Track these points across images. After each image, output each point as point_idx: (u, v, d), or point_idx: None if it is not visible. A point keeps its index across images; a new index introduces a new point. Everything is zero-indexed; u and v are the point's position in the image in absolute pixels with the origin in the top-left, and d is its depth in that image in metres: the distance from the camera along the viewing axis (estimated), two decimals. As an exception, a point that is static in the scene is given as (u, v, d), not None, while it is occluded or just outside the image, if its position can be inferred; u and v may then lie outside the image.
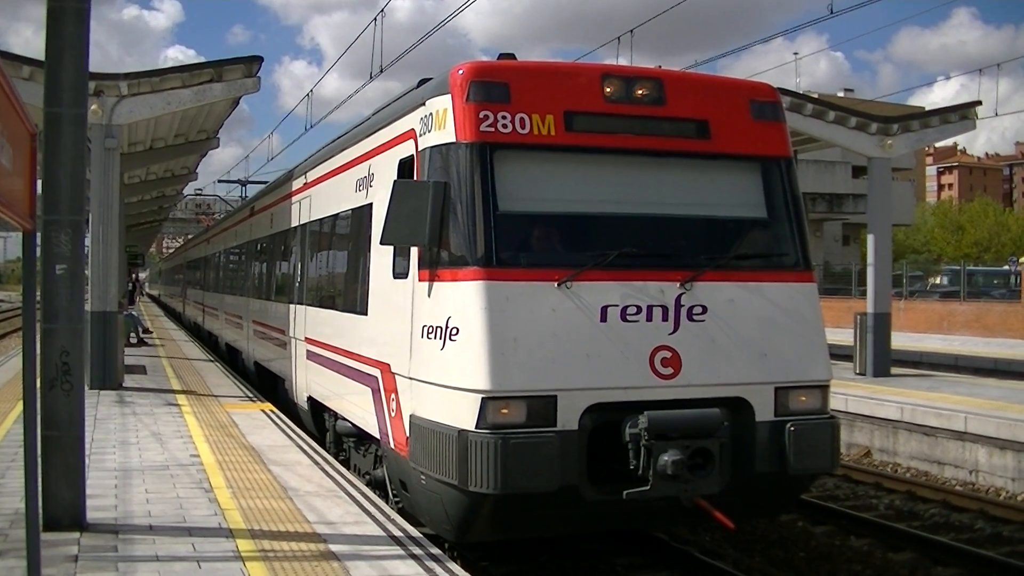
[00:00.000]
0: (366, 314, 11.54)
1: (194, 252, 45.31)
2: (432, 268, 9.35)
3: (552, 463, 8.53)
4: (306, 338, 15.30)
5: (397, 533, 9.12)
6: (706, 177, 10.17)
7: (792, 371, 9.67)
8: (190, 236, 61.97)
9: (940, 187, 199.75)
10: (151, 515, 9.60)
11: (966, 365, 28.53)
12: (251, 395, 19.77)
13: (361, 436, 12.28)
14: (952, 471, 17.20)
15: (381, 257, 10.90)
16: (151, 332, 38.13)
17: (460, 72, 9.43)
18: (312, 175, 15.88)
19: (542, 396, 8.72)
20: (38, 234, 7.58)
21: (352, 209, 12.72)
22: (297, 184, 17.32)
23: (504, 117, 9.23)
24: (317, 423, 15.13)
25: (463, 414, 8.71)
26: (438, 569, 8.01)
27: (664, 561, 11.34)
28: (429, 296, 9.34)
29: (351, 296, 12.82)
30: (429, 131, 9.69)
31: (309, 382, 15.12)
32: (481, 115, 9.22)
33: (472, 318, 8.77)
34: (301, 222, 16.44)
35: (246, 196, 53.44)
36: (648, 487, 8.77)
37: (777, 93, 10.43)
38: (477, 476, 8.50)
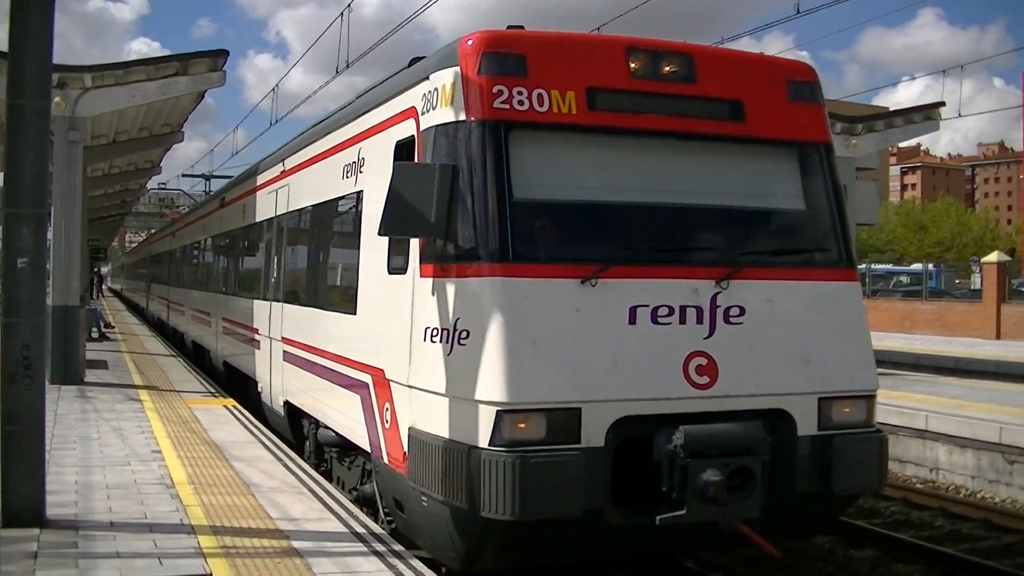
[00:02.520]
0: (354, 313, 10.58)
1: (159, 246, 44.18)
2: (437, 263, 8.40)
3: (576, 485, 7.60)
4: (283, 338, 14.29)
5: (360, 530, 8.98)
6: (740, 163, 9.25)
7: (837, 380, 8.79)
8: (153, 230, 60.81)
9: (903, 187, 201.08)
10: (112, 511, 9.42)
11: (927, 364, 28.47)
12: (214, 390, 19.57)
13: (346, 447, 11.34)
14: (913, 469, 17.28)
15: (373, 250, 9.96)
16: (113, 327, 37.43)
17: (470, 42, 8.46)
18: (291, 162, 14.83)
19: (565, 408, 7.79)
20: (-1, 227, 7.07)
21: (338, 198, 11.74)
22: (273, 172, 16.28)
23: (520, 93, 8.28)
24: (294, 430, 14.12)
25: (474, 429, 7.78)
26: (401, 566, 7.87)
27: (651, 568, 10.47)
28: (433, 294, 8.39)
29: (336, 293, 11.83)
30: (433, 108, 8.72)
31: (286, 386, 14.12)
32: (495, 90, 8.26)
33: (486, 320, 7.83)
34: (278, 213, 15.39)
35: (210, 191, 52.52)
36: (684, 511, 7.87)
37: (815, 73, 9.54)
38: (491, 500, 7.56)
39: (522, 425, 7.69)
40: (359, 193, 10.70)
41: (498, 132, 8.20)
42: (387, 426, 9.33)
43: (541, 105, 8.32)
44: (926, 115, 25.97)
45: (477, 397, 7.76)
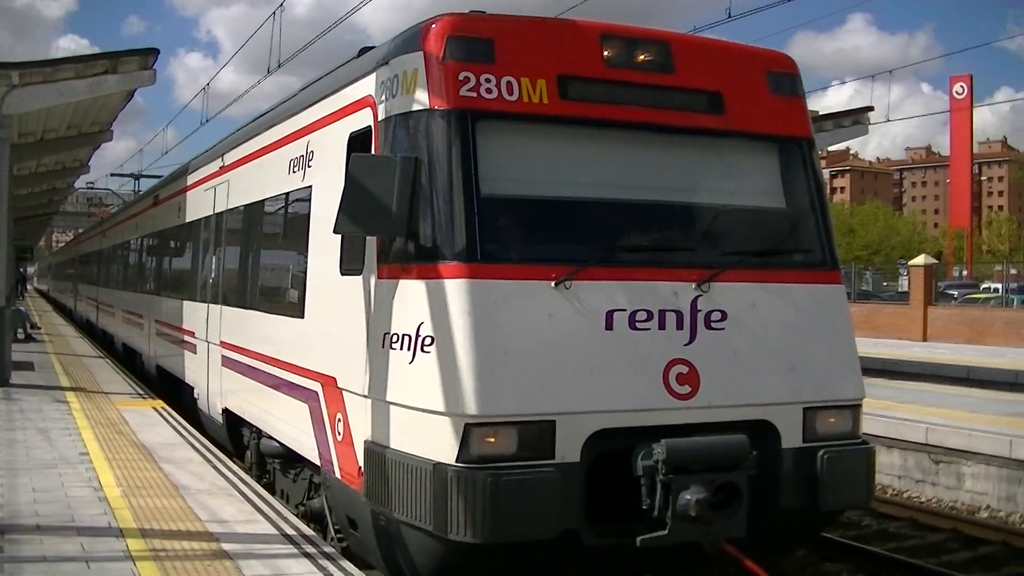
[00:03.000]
0: (302, 317, 9.92)
1: (88, 245, 42.93)
2: (397, 263, 7.77)
3: (552, 504, 7.03)
4: (221, 342, 13.54)
5: (290, 531, 8.92)
6: (719, 159, 8.74)
7: (823, 388, 8.32)
8: (81, 230, 59.39)
9: (832, 190, 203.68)
10: (39, 515, 9.23)
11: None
12: (142, 392, 19.33)
13: (292, 458, 10.66)
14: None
15: (323, 250, 9.32)
16: (39, 328, 36.42)
17: (435, 25, 7.84)
18: (231, 157, 14.06)
19: (538, 421, 7.22)
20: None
21: (284, 194, 11.05)
22: (211, 168, 15.50)
23: (488, 80, 7.68)
24: (234, 439, 13.37)
25: (440, 443, 7.17)
26: (331, 567, 7.82)
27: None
28: (393, 297, 7.76)
29: (282, 295, 11.14)
30: (393, 96, 8.08)
31: (225, 392, 13.37)
32: (461, 76, 7.65)
33: (452, 325, 7.22)
34: (217, 210, 14.62)
35: (139, 190, 51.37)
36: (666, 532, 7.32)
37: (796, 65, 9.05)
38: (459, 521, 6.95)
39: (492, 439, 7.10)
40: (307, 189, 10.04)
41: (465, 122, 7.59)
42: (339, 438, 8.69)
43: (510, 94, 7.74)
44: (855, 119, 26.08)
45: (443, 409, 7.15)
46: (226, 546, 8.29)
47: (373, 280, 8.10)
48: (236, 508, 9.72)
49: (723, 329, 7.93)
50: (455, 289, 7.27)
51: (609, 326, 7.55)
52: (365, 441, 8.02)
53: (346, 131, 8.95)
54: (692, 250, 8.23)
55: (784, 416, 8.07)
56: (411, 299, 7.57)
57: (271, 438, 11.17)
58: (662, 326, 7.72)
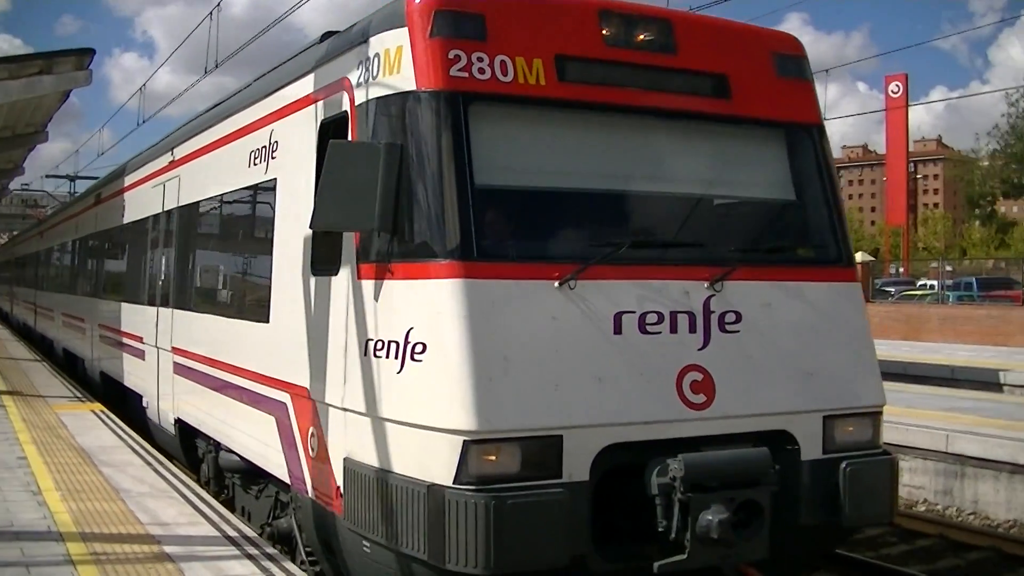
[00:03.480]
0: (266, 321, 9.13)
1: (24, 247, 41.57)
2: (381, 262, 7.02)
3: (560, 529, 6.33)
4: (173, 348, 12.67)
5: (232, 533, 8.86)
6: (727, 147, 8.08)
7: (843, 395, 7.69)
8: (16, 232, 57.77)
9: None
10: None
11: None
12: (80, 395, 19.07)
13: (254, 474, 9.86)
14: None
15: (291, 248, 8.57)
16: (-28, 332, 35.22)
17: None
18: (183, 151, 13.18)
19: (543, 436, 6.51)
20: None
21: (244, 188, 10.25)
22: (159, 163, 14.59)
23: (480, 60, 6.96)
24: (188, 451, 12.52)
25: (434, 462, 6.43)
26: (274, 568, 7.79)
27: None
28: (377, 300, 7.01)
29: (242, 298, 10.34)
30: (374, 78, 7.33)
31: (178, 402, 12.51)
32: (451, 55, 6.91)
33: (447, 330, 6.49)
34: (167, 208, 13.71)
35: (75, 192, 50.10)
36: (686, 556, 6.65)
37: (803, 46, 8.42)
38: (458, 550, 6.21)
39: (493, 457, 6.38)
40: (271, 182, 9.25)
41: (456, 105, 6.86)
42: (313, 454, 7.92)
43: (505, 74, 7.02)
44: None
45: (437, 424, 6.42)
46: (168, 548, 8.22)
47: (351, 281, 7.36)
48: (177, 510, 9.64)
49: (738, 332, 7.28)
50: (449, 291, 6.53)
51: (618, 330, 6.87)
52: (344, 459, 7.27)
53: (317, 118, 8.19)
54: (702, 246, 7.56)
55: (803, 425, 7.45)
56: (398, 302, 6.83)
57: (231, 452, 10.36)
58: (674, 329, 7.06)
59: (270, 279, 9.11)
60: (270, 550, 8.22)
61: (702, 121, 7.83)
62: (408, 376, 6.63)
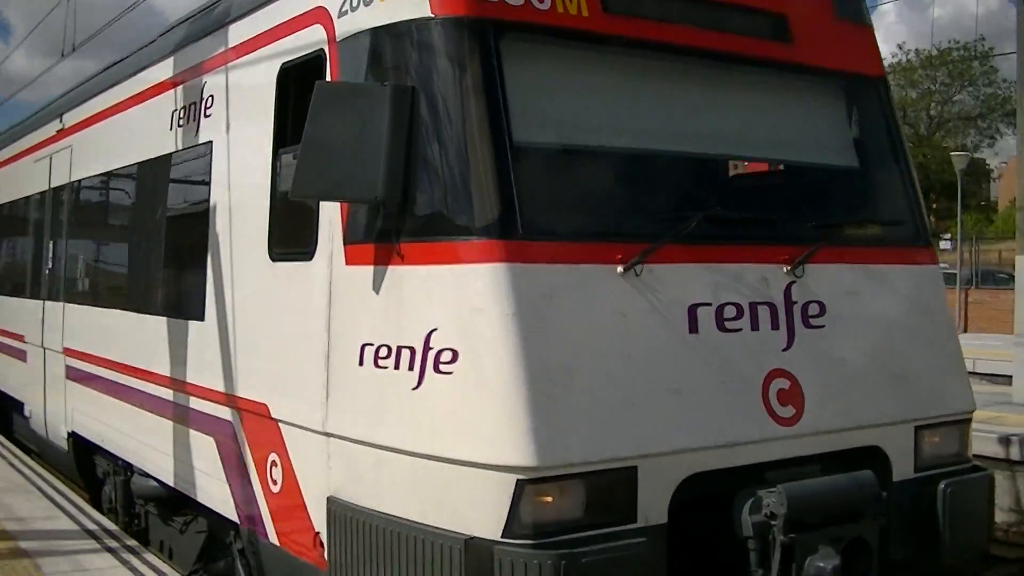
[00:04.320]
0: (199, 318, 7.36)
1: None
2: (384, 242, 5.34)
3: None
4: (65, 349, 10.71)
5: (91, 527, 8.66)
6: (789, 102, 6.60)
7: (934, 400, 6.30)
8: None
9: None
10: None
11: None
12: None
13: (177, 502, 8.09)
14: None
15: (236, 226, 6.93)
16: None
17: None
18: (75, 117, 11.10)
19: (615, 470, 4.93)
20: None
21: (161, 157, 8.38)
22: (44, 134, 12.47)
23: None
24: (85, 470, 10.58)
25: (473, 509, 4.81)
26: (134, 561, 7.65)
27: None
28: (379, 292, 5.33)
29: (162, 289, 8.49)
30: (367, 3, 5.63)
31: (71, 412, 10.55)
32: None
33: (490, 332, 4.84)
34: (54, 185, 11.63)
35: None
36: None
37: None
38: None
39: (551, 499, 4.79)
40: (205, 147, 7.46)
41: (485, 36, 5.21)
42: (275, 489, 6.24)
43: (541, 1, 5.42)
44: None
45: (478, 458, 4.78)
46: (24, 544, 8.07)
47: (333, 268, 5.67)
48: (34, 505, 9.49)
49: (823, 327, 5.83)
50: (491, 279, 4.88)
51: (694, 327, 5.34)
52: (329, 499, 5.59)
53: (276, 61, 6.45)
54: (776, 221, 6.05)
55: (895, 439, 6.05)
56: (413, 295, 5.16)
57: (148, 476, 8.53)
58: (755, 325, 5.56)
59: (203, 265, 7.33)
60: (130, 542, 8.05)
61: (763, 69, 6.31)
62: (431, 393, 4.98)
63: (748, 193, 6.28)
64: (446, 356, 4.94)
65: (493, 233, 4.95)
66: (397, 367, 5.15)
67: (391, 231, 5.27)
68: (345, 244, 5.60)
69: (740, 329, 5.51)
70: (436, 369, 4.97)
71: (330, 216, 5.72)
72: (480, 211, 5.00)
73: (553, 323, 4.94)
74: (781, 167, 6.52)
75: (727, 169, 6.28)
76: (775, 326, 5.64)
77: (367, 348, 5.35)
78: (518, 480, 4.70)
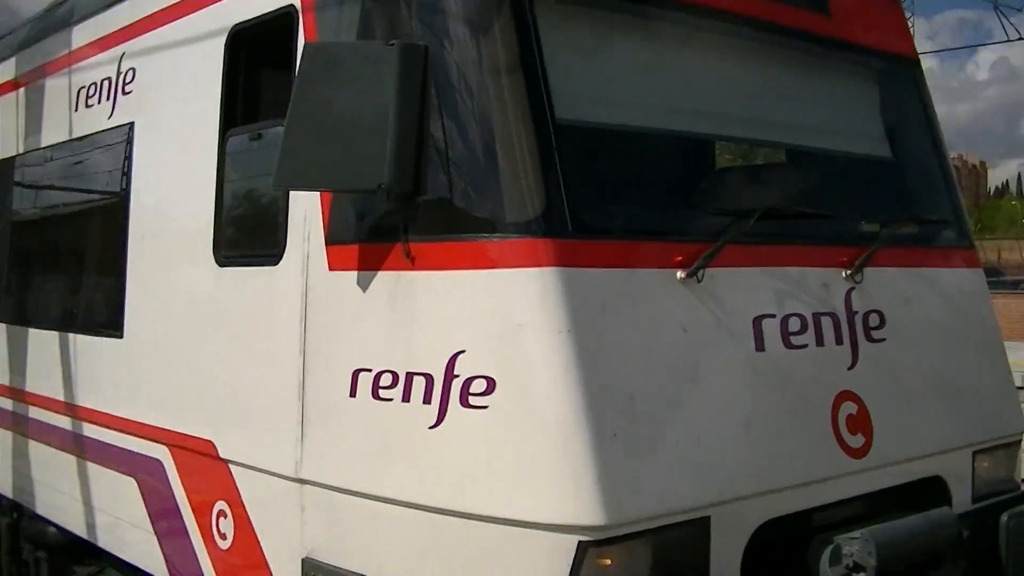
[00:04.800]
0: (117, 334, 6.13)
1: None
2: (384, 241, 4.24)
3: None
4: None
5: None
6: (830, 82, 5.70)
7: (989, 421, 5.52)
8: None
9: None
10: None
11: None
12: None
13: (82, 552, 6.83)
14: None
15: (164, 223, 5.78)
16: None
17: None
18: None
19: (687, 522, 3.96)
20: None
21: (61, 144, 7.11)
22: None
23: None
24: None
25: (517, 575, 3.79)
26: None
27: None
28: (380, 304, 4.23)
29: (66, 299, 7.20)
30: None
31: None
32: None
33: (541, 355, 3.80)
34: None
35: None
36: None
37: None
38: None
39: (609, 561, 3.78)
40: (123, 130, 6.25)
41: None
42: (224, 545, 5.11)
43: None
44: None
45: (528, 516, 3.74)
46: None
47: (312, 273, 4.56)
48: None
49: (884, 340, 4.96)
50: (537, 287, 3.85)
51: (760, 344, 4.40)
52: (305, 561, 4.48)
53: (224, 22, 5.30)
54: (833, 217, 5.15)
55: (955, 466, 5.24)
56: (431, 307, 4.09)
57: (43, 520, 7.24)
58: (820, 340, 4.66)
59: (121, 271, 6.11)
60: None
61: (805, 43, 5.42)
62: (456, 432, 3.91)
63: (802, 186, 5.35)
64: (478, 385, 3.88)
65: (538, 230, 3.91)
66: (407, 399, 4.07)
67: (398, 227, 4.18)
68: (328, 244, 4.49)
69: (806, 345, 4.59)
70: (463, 402, 3.91)
71: (305, 210, 4.62)
72: (521, 202, 3.95)
73: (612, 341, 3.93)
74: (832, 157, 5.63)
75: (791, 157, 5.37)
76: (839, 341, 4.75)
77: (362, 375, 4.25)
78: (580, 542, 3.68)
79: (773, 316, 4.49)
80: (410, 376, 4.08)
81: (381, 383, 4.18)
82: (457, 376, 3.93)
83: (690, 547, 3.98)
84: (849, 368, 4.77)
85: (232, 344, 5.10)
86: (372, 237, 4.32)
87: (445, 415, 3.95)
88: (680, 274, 4.19)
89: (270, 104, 5.21)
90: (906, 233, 5.45)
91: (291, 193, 4.67)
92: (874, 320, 4.95)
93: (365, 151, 4.08)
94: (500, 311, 3.92)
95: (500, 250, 3.95)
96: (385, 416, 4.16)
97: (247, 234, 5.17)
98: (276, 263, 4.76)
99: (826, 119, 5.58)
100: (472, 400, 3.89)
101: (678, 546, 3.94)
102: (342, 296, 4.41)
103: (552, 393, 3.76)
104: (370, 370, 4.23)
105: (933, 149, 5.94)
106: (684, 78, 4.92)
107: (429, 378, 4.01)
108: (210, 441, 5.18)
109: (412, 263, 4.13)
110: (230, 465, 5.06)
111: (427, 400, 4.00)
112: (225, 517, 5.10)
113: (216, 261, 5.23)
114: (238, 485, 5.00)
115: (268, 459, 4.74)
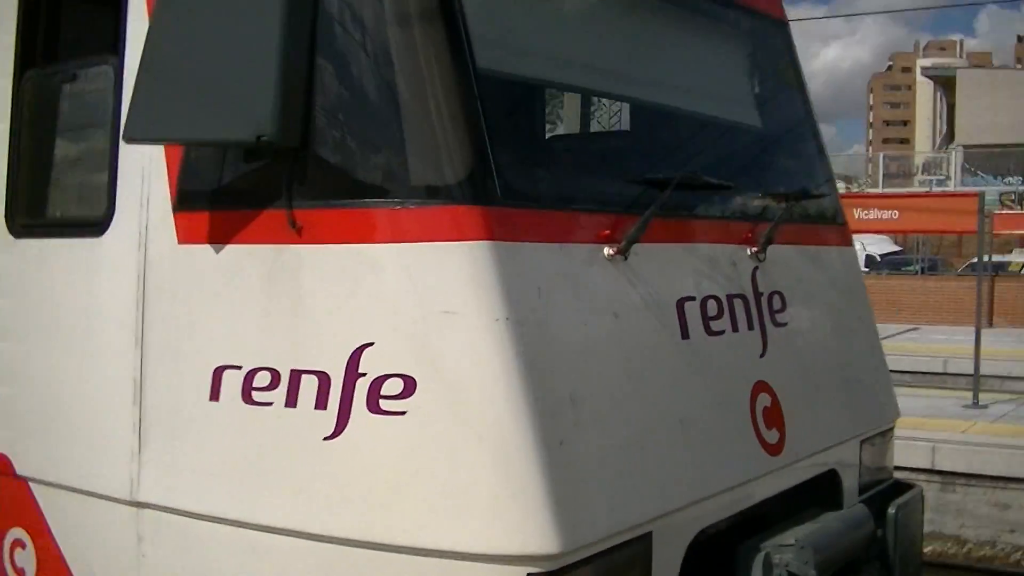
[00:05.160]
0: None
1: None
2: (264, 207, 3.39)
3: None
4: None
5: None
6: (721, 46, 5.16)
7: (874, 408, 5.24)
8: None
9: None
10: None
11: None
12: None
13: None
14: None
15: None
16: None
17: None
18: None
19: (632, 541, 3.36)
20: None
21: None
22: None
23: None
24: None
25: None
26: None
27: None
28: (252, 285, 3.41)
29: None
30: None
31: None
32: None
33: (475, 349, 3.09)
34: None
35: None
36: None
37: None
38: None
39: None
40: None
41: None
42: None
43: None
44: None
45: (464, 546, 3.04)
46: None
47: (153, 246, 3.66)
48: None
49: (787, 324, 4.54)
50: (473, 262, 3.14)
51: (685, 331, 3.86)
52: None
53: None
54: (735, 191, 4.63)
55: (847, 457, 4.89)
56: (325, 289, 3.29)
57: None
58: (735, 326, 4.17)
59: None
60: None
61: (709, 6, 4.90)
62: (365, 444, 3.14)
63: (708, 152, 4.83)
64: (392, 386, 3.13)
65: (462, 196, 3.20)
66: (292, 403, 3.27)
67: (279, 190, 3.36)
68: (177, 211, 3.61)
69: (723, 331, 4.09)
70: (373, 407, 3.14)
71: (142, 167, 3.71)
72: (441, 161, 3.21)
73: (551, 330, 3.28)
74: (726, 125, 5.12)
75: (687, 123, 4.79)
76: (751, 325, 4.29)
77: (228, 374, 3.41)
78: (529, 575, 3.02)
79: (693, 299, 3.96)
80: (296, 375, 3.28)
81: (255, 384, 3.36)
82: (363, 375, 3.17)
83: (633, 568, 3.40)
84: (761, 356, 4.31)
85: (35, 334, 4.11)
86: (242, 202, 3.48)
87: (347, 423, 3.18)
88: (608, 250, 3.57)
89: (87, 37, 4.25)
90: (795, 208, 5.05)
91: (122, 146, 3.75)
92: (777, 303, 4.51)
93: (241, 96, 3.24)
94: (418, 295, 3.18)
95: (415, 219, 3.21)
96: (262, 424, 3.34)
97: (56, 197, 4.19)
98: (99, 234, 3.83)
99: (717, 84, 5.09)
100: (384, 404, 3.14)
101: (622, 570, 3.34)
102: (197, 276, 3.55)
103: (491, 395, 3.07)
104: (239, 367, 3.40)
105: (810, 120, 5.58)
106: (600, 36, 4.29)
107: (323, 378, 3.23)
108: (2, 454, 4.18)
109: (298, 234, 3.33)
110: (31, 484, 4.08)
111: (321, 405, 3.22)
112: (22, 548, 4.11)
113: (9, 231, 4.22)
114: (42, 509, 4.04)
115: (88, 477, 3.81)
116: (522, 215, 3.32)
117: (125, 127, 3.38)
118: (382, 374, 3.15)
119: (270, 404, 3.32)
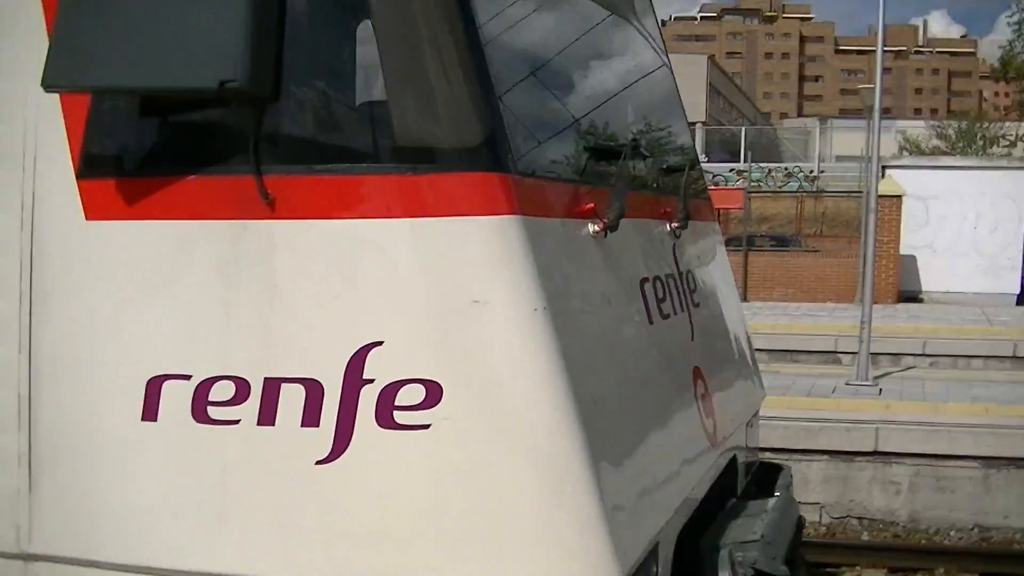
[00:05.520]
0: None
1: None
2: (222, 172, 2.67)
3: None
4: None
5: None
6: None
7: (755, 391, 5.09)
8: None
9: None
10: None
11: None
12: None
13: None
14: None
15: None
16: None
17: None
18: None
19: (649, 554, 2.94)
20: None
21: None
22: None
23: None
24: None
25: None
26: None
27: None
28: (198, 267, 2.70)
29: None
30: None
31: None
32: None
33: (512, 346, 2.53)
34: None
35: None
36: None
37: None
38: None
39: None
40: None
41: None
42: None
43: None
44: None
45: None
46: None
47: (46, 227, 2.88)
48: None
49: (699, 305, 4.28)
50: (500, 242, 2.56)
51: (649, 316, 3.51)
52: None
53: None
54: (651, 159, 4.22)
55: (740, 441, 4.69)
56: (302, 274, 2.64)
57: None
58: (675, 308, 3.86)
59: None
60: None
61: None
62: (377, 467, 2.54)
63: (627, 124, 4.40)
64: (410, 395, 2.53)
65: (481, 162, 2.63)
66: (268, 420, 2.61)
67: (242, 151, 2.65)
68: (83, 177, 2.82)
69: (669, 315, 3.75)
70: (385, 420, 2.53)
71: (25, 121, 2.89)
72: (457, 121, 2.63)
73: (572, 321, 2.78)
74: (635, 97, 4.73)
75: (626, 94, 4.35)
76: (682, 307, 3.98)
77: (170, 385, 2.68)
78: None
79: (648, 279, 3.58)
80: (274, 385, 2.61)
81: (212, 397, 2.65)
82: (370, 382, 2.55)
83: None
84: (692, 339, 4.00)
85: None
86: (187, 166, 2.74)
87: (348, 442, 2.55)
88: (594, 227, 3.08)
89: None
90: (686, 182, 4.74)
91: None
92: (691, 282, 4.23)
93: (199, 31, 2.53)
94: (437, 282, 2.58)
95: (430, 188, 2.61)
96: (220, 448, 2.65)
97: None
98: None
99: (635, 52, 4.71)
100: (401, 417, 2.53)
101: None
102: (116, 262, 2.79)
103: (536, 399, 2.54)
104: (187, 377, 2.68)
105: (677, 93, 5.29)
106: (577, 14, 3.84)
107: (314, 387, 2.58)
108: None
109: (270, 207, 2.64)
110: None
111: (310, 421, 2.58)
112: None
113: None
114: None
115: None
116: (538, 187, 2.80)
117: (44, 70, 2.58)
118: (395, 380, 2.53)
119: (235, 422, 2.63)
